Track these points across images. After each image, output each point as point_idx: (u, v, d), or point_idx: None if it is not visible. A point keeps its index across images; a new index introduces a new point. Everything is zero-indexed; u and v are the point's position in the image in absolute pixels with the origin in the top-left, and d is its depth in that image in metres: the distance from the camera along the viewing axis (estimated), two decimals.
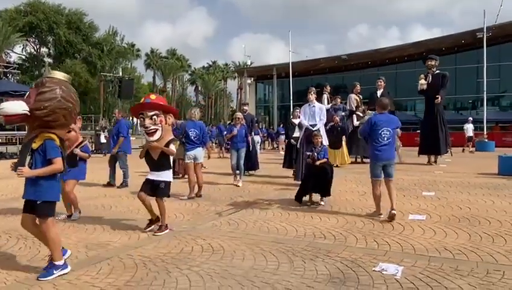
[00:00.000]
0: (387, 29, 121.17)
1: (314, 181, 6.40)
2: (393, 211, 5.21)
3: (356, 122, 13.02)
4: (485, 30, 24.90)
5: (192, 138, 7.36)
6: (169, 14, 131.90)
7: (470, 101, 34.74)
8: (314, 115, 8.11)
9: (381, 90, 13.17)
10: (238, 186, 8.50)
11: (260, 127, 22.57)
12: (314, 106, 8.17)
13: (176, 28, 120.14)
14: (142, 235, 4.76)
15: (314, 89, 8.53)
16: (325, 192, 6.47)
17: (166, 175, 4.87)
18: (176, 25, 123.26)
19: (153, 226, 4.95)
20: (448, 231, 4.74)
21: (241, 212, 5.96)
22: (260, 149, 17.82)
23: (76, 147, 5.65)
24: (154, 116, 4.69)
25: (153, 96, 4.84)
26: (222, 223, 5.35)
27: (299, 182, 7.83)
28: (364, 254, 3.95)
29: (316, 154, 6.57)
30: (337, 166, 11.75)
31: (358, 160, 13.42)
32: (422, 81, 12.35)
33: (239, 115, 9.22)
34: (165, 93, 64.27)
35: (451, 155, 13.97)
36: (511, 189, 7.71)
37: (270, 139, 27.13)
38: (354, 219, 5.45)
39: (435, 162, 12.63)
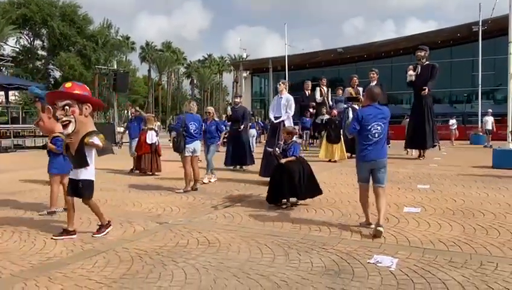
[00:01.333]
0: (383, 22, 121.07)
1: (285, 182, 5.64)
2: (379, 228, 4.28)
3: (351, 116, 12.90)
4: (480, 24, 24.91)
5: (192, 131, 7.27)
6: (164, 6, 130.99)
7: (465, 95, 34.83)
8: (280, 107, 7.84)
9: (375, 82, 12.96)
10: (204, 183, 7.98)
11: (256, 120, 22.54)
12: (281, 98, 7.91)
13: (170, 21, 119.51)
14: (137, 229, 4.76)
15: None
16: (296, 196, 5.74)
17: (84, 173, 4.37)
18: (171, 17, 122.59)
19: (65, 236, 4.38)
20: (442, 224, 4.77)
21: (237, 206, 5.96)
22: (256, 142, 17.81)
23: (49, 137, 5.51)
24: (66, 107, 4.25)
25: (68, 84, 4.39)
26: (218, 216, 5.36)
27: (264, 178, 7.45)
28: (360, 246, 3.98)
29: (278, 150, 5.93)
30: (335, 161, 11.51)
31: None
32: (411, 72, 11.99)
33: (209, 109, 8.73)
34: (160, 86, 63.99)
35: (439, 149, 13.59)
36: (505, 182, 7.77)
37: (266, 133, 27.11)
38: (349, 211, 5.47)
39: (423, 156, 12.20)
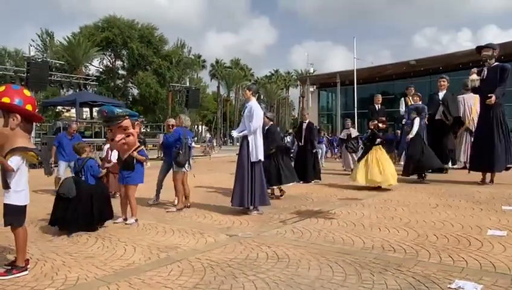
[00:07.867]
0: (458, 31, 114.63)
1: None
2: None
3: (415, 129, 9.99)
4: None
5: (190, 145, 7.06)
6: (232, 23, 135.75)
7: None
8: (244, 119, 6.63)
9: (444, 91, 11.78)
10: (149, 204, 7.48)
11: (323, 135, 22.12)
12: (246, 107, 6.74)
13: (238, 37, 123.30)
14: (208, 240, 4.89)
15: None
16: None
17: (7, 197, 3.60)
18: (238, 34, 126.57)
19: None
20: None
21: (305, 221, 5.91)
22: (323, 157, 17.34)
23: (134, 151, 5.96)
24: None
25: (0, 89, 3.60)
26: (286, 231, 5.34)
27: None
28: (439, 269, 3.73)
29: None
30: (379, 187, 8.88)
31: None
32: (474, 76, 9.63)
33: (171, 121, 7.92)
34: (228, 102, 65.90)
35: None
36: None
37: (332, 148, 26.41)
38: (426, 232, 5.17)
39: (491, 181, 9.49)
